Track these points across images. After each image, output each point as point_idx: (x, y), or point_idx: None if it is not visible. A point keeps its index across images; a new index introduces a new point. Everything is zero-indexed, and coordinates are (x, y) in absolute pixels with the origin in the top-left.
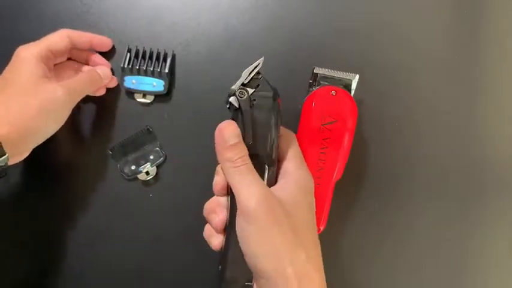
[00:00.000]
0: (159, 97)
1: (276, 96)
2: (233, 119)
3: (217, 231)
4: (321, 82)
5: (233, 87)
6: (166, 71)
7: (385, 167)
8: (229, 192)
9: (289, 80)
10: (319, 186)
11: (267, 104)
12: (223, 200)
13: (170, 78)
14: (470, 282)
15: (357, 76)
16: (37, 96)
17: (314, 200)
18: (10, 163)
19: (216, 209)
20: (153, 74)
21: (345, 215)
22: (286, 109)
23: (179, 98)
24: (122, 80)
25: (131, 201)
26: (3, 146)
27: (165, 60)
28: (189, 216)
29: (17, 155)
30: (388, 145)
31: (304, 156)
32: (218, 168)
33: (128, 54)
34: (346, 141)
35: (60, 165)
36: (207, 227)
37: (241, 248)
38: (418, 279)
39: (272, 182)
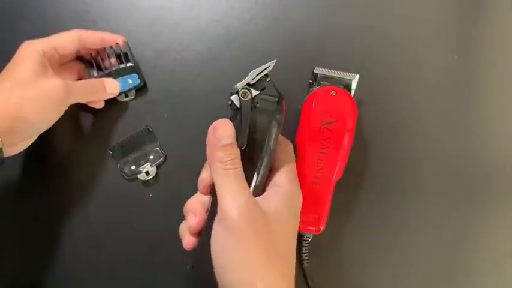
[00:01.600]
0: (158, 97)
1: (280, 102)
2: (231, 119)
3: (191, 234)
4: (321, 82)
5: (237, 85)
6: (132, 64)
7: (385, 167)
8: (212, 192)
9: (289, 80)
10: (319, 186)
11: (269, 109)
12: (207, 200)
13: (138, 67)
14: (471, 282)
15: (357, 76)
16: (35, 89)
17: (299, 217)
18: (5, 154)
19: (196, 209)
20: (120, 73)
21: (345, 215)
22: (286, 109)
23: (179, 98)
24: None
25: (131, 201)
26: None
27: (125, 54)
28: None
29: (10, 146)
30: (388, 145)
31: (304, 156)
32: (207, 163)
33: (90, 68)
34: (346, 141)
35: (60, 166)
36: (184, 224)
37: (212, 255)
38: (418, 279)
39: (259, 191)
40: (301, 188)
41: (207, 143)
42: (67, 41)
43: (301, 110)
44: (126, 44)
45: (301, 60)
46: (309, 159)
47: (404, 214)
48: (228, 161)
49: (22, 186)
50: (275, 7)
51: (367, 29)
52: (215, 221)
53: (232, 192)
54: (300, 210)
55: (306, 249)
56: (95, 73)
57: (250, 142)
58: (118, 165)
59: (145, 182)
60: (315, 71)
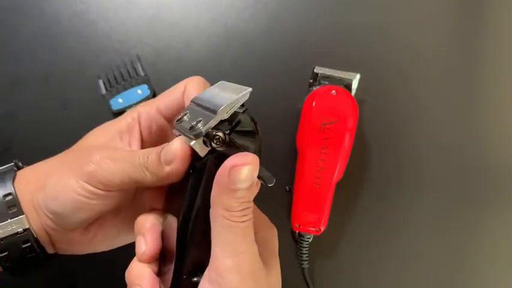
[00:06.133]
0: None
1: (260, 138)
2: (182, 183)
3: None
4: (322, 81)
5: (199, 126)
6: (143, 74)
7: (386, 167)
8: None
9: (289, 80)
10: (320, 187)
11: (248, 149)
12: (147, 272)
13: (148, 78)
14: (472, 282)
15: (358, 75)
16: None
17: None
18: (57, 247)
19: (142, 282)
20: (133, 84)
21: (346, 215)
22: (286, 109)
23: None
24: (109, 106)
25: None
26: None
27: (134, 64)
28: None
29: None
30: (389, 145)
31: (304, 157)
32: (141, 222)
33: (101, 81)
34: (347, 141)
35: None
36: None
37: None
38: (419, 280)
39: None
40: (302, 188)
41: (214, 180)
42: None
43: (301, 110)
44: (136, 54)
45: (301, 59)
46: (309, 160)
47: (406, 214)
48: (239, 211)
49: None
50: (275, 6)
51: (368, 28)
52: (205, 280)
53: (234, 253)
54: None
55: (306, 250)
56: (103, 89)
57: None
58: None
59: None
60: (316, 70)
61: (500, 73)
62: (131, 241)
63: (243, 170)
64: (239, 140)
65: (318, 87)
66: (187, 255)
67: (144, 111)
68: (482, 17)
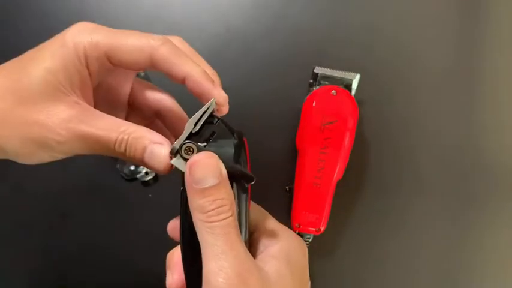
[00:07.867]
0: None
1: (239, 144)
2: (182, 191)
3: None
4: (322, 82)
5: (175, 143)
6: (143, 73)
7: (386, 167)
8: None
9: (290, 80)
10: (320, 187)
11: (226, 157)
12: None
13: (148, 77)
14: (474, 282)
15: (358, 75)
16: (20, 119)
17: (307, 276)
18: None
19: None
20: None
21: (346, 215)
22: (286, 109)
23: (178, 98)
24: None
25: (131, 202)
26: None
27: None
28: None
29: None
30: (389, 145)
31: (304, 157)
32: (169, 257)
33: None
34: (347, 141)
35: (59, 165)
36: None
37: None
38: (419, 279)
39: None
40: (301, 188)
41: (186, 185)
42: (134, 52)
43: (301, 110)
44: None
45: (301, 59)
46: (309, 159)
47: (406, 214)
48: (212, 210)
49: (19, 187)
50: (275, 6)
51: (368, 28)
52: None
53: (216, 254)
54: (306, 263)
55: None
56: None
57: None
58: (117, 166)
59: (144, 183)
60: (316, 70)
61: (500, 74)
62: None
63: (200, 166)
64: (215, 149)
65: (318, 87)
66: (190, 272)
67: (90, 47)
68: (482, 18)
